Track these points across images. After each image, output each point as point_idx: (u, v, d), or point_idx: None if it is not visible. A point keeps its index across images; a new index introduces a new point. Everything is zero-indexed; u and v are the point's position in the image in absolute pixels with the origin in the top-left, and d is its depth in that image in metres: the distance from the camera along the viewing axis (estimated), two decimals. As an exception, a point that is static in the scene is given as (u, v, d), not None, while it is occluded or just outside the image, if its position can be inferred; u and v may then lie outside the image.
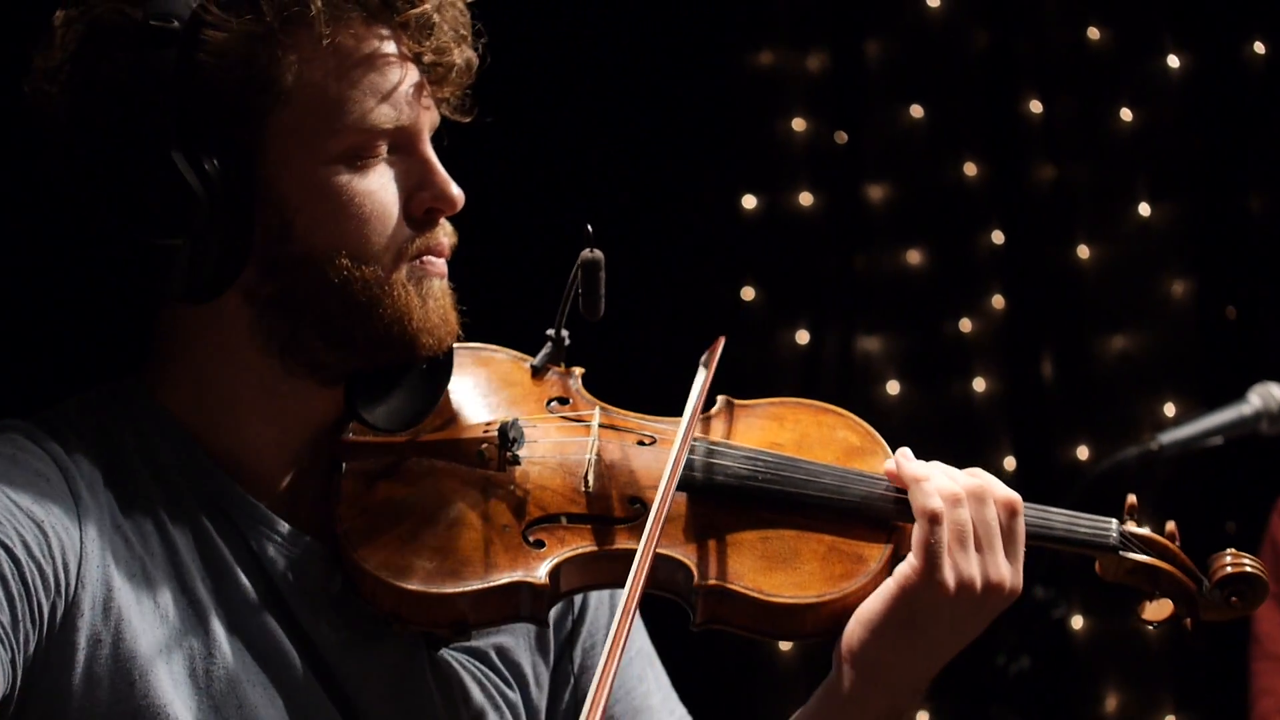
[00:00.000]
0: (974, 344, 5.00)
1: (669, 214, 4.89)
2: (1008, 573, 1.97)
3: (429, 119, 1.96)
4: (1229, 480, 4.75)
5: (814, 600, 1.97)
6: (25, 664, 1.78)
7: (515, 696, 2.01)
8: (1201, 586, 2.07)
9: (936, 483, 1.97)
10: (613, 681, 1.72)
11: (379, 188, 1.91)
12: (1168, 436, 3.74)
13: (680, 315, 4.64)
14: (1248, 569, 2.06)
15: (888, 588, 1.95)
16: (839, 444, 2.09)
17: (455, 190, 1.96)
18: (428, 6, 1.91)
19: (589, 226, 2.05)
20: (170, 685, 1.85)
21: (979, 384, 4.98)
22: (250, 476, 1.96)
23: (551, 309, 2.11)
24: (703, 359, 2.21)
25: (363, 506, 1.96)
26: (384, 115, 1.90)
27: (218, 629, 1.89)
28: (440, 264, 1.98)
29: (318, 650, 1.93)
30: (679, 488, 1.97)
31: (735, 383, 4.81)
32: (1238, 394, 3.82)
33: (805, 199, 5.02)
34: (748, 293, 5.01)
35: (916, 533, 1.96)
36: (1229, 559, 2.08)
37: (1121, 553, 2.07)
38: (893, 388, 5.00)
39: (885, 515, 2.01)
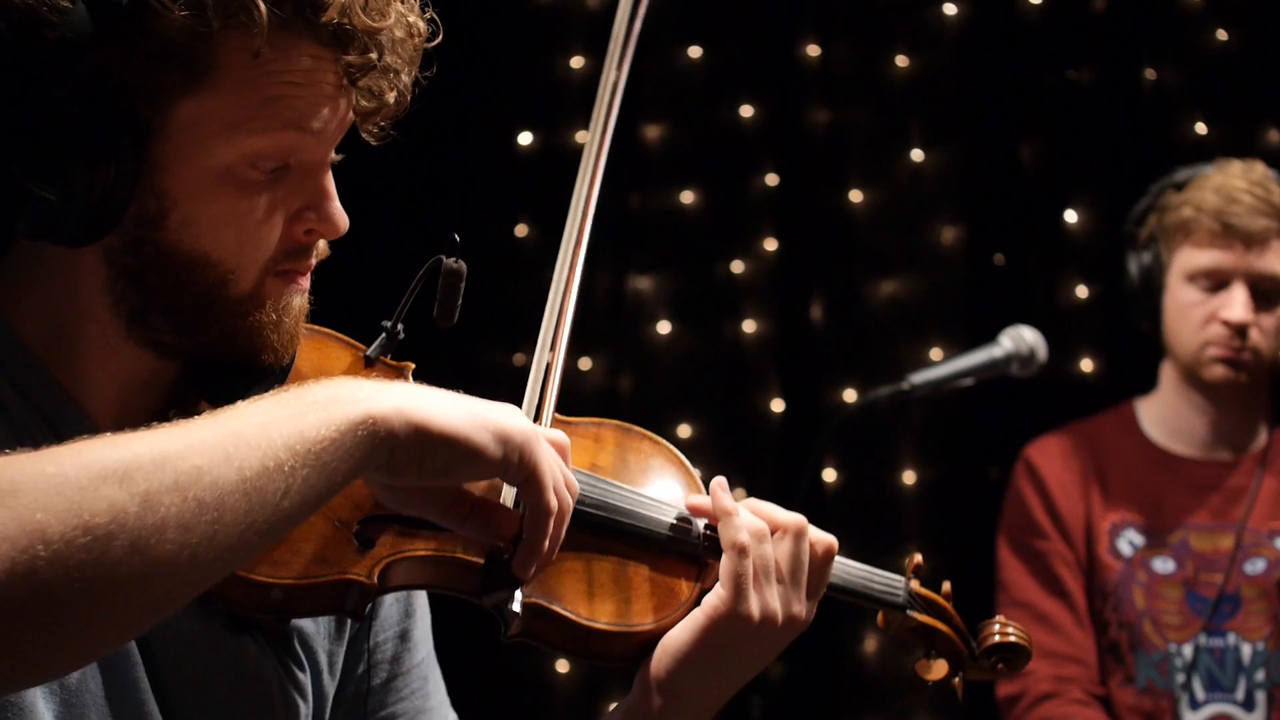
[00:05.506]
0: (745, 285, 5.02)
1: (444, 149, 4.85)
2: (806, 608, 2.04)
3: (335, 144, 1.90)
4: (994, 426, 4.82)
5: (628, 629, 1.99)
6: None
7: (305, 679, 1.99)
8: (972, 650, 2.18)
9: (745, 518, 2.02)
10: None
11: (264, 205, 1.84)
12: (919, 376, 3.80)
13: (452, 251, 4.59)
14: (1012, 639, 2.19)
15: (695, 618, 2.00)
16: (654, 473, 2.11)
17: (343, 221, 1.90)
18: (373, 55, 1.84)
19: (455, 236, 2.03)
20: None
21: (749, 325, 5.00)
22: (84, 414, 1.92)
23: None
24: None
25: None
26: (291, 141, 1.83)
27: None
28: (304, 282, 1.93)
29: None
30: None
31: (508, 318, 4.82)
32: (1003, 340, 3.89)
33: (582, 137, 5.00)
34: (521, 229, 4.99)
35: (725, 564, 2.00)
36: (997, 628, 2.20)
37: (908, 611, 2.16)
38: (663, 328, 5.01)
39: (697, 551, 2.04)
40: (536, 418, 2.01)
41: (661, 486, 2.10)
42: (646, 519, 2.04)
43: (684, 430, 4.90)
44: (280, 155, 1.84)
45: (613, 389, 4.96)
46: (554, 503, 1.78)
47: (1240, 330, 3.91)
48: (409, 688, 2.11)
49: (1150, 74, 5.02)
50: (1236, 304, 3.92)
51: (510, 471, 1.75)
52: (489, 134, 5.01)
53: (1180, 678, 3.91)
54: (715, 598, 1.99)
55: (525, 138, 5.04)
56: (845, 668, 4.75)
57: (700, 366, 5.00)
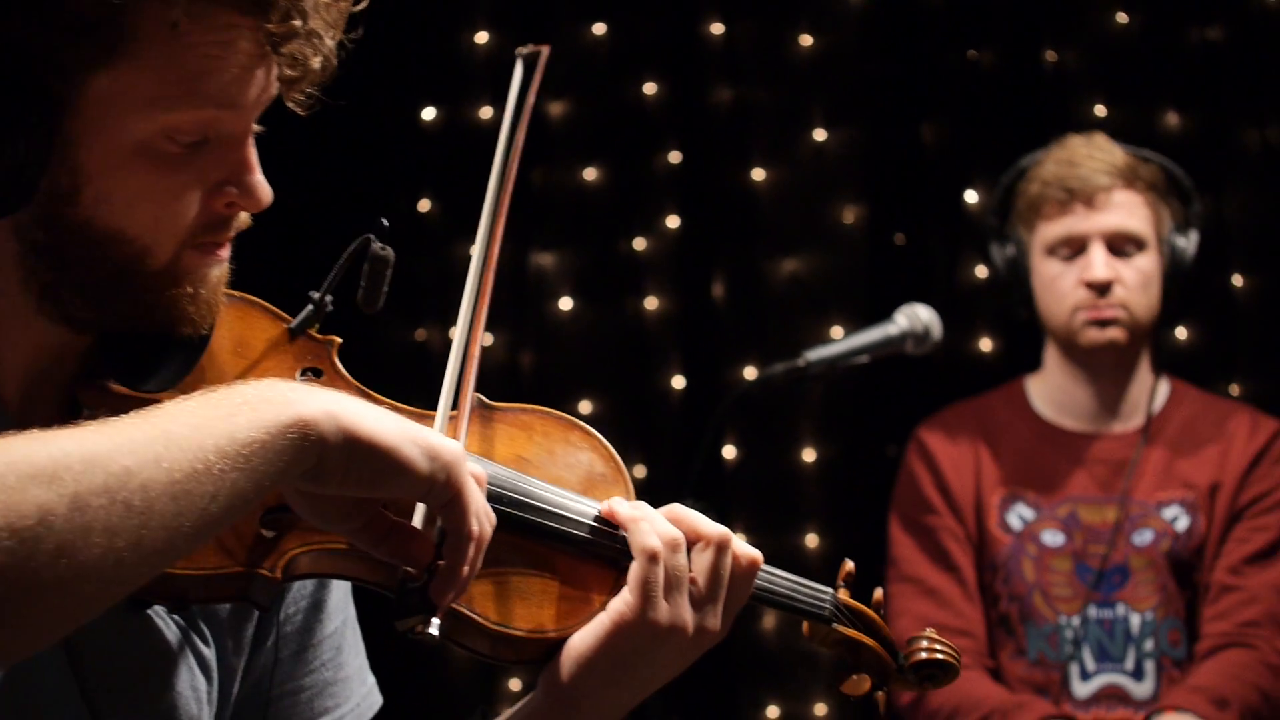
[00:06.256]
0: (647, 262, 5.01)
1: (348, 123, 4.83)
2: (721, 621, 1.97)
3: (259, 113, 1.84)
4: (894, 405, 4.84)
5: (538, 635, 1.94)
6: None
7: (210, 654, 1.95)
8: (899, 663, 2.11)
9: (659, 525, 1.95)
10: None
11: (181, 179, 1.78)
12: (814, 353, 3.81)
13: (357, 224, 4.58)
14: (940, 656, 2.11)
15: (600, 623, 1.94)
16: (583, 468, 2.04)
17: (266, 193, 1.84)
18: (296, 22, 1.77)
19: (384, 221, 1.99)
20: None
21: (651, 302, 5.00)
22: None
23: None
24: (522, 52, 2.15)
25: None
26: (210, 116, 1.77)
27: None
28: (224, 253, 1.87)
29: None
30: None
31: (411, 294, 4.81)
32: (901, 319, 3.91)
33: (485, 113, 5.00)
34: (424, 205, 4.98)
35: (633, 570, 1.93)
36: (924, 644, 2.12)
37: (833, 624, 2.08)
38: (565, 304, 5.00)
39: (615, 555, 1.97)
40: (455, 404, 1.95)
41: (588, 483, 2.03)
42: (566, 520, 1.96)
43: (585, 407, 4.90)
44: (199, 130, 1.78)
45: (514, 365, 4.95)
46: (475, 528, 1.74)
47: (1103, 288, 3.98)
48: (319, 659, 2.06)
49: (1051, 56, 5.04)
50: (1095, 264, 3.99)
51: (435, 491, 1.70)
52: (393, 109, 4.99)
53: (1070, 649, 3.95)
54: (621, 603, 1.93)
55: (429, 113, 5.03)
56: (743, 644, 4.78)
57: (602, 343, 5.00)
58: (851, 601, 2.10)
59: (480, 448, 1.99)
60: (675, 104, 5.05)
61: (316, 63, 1.83)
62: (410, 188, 5.00)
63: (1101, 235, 4.00)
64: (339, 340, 1.98)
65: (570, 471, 2.03)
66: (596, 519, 1.98)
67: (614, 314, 5.02)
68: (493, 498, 1.88)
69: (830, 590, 2.09)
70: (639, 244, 5.02)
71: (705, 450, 3.90)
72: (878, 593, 2.13)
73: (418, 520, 1.81)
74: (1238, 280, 4.94)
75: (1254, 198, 4.96)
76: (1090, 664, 3.96)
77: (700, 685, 4.69)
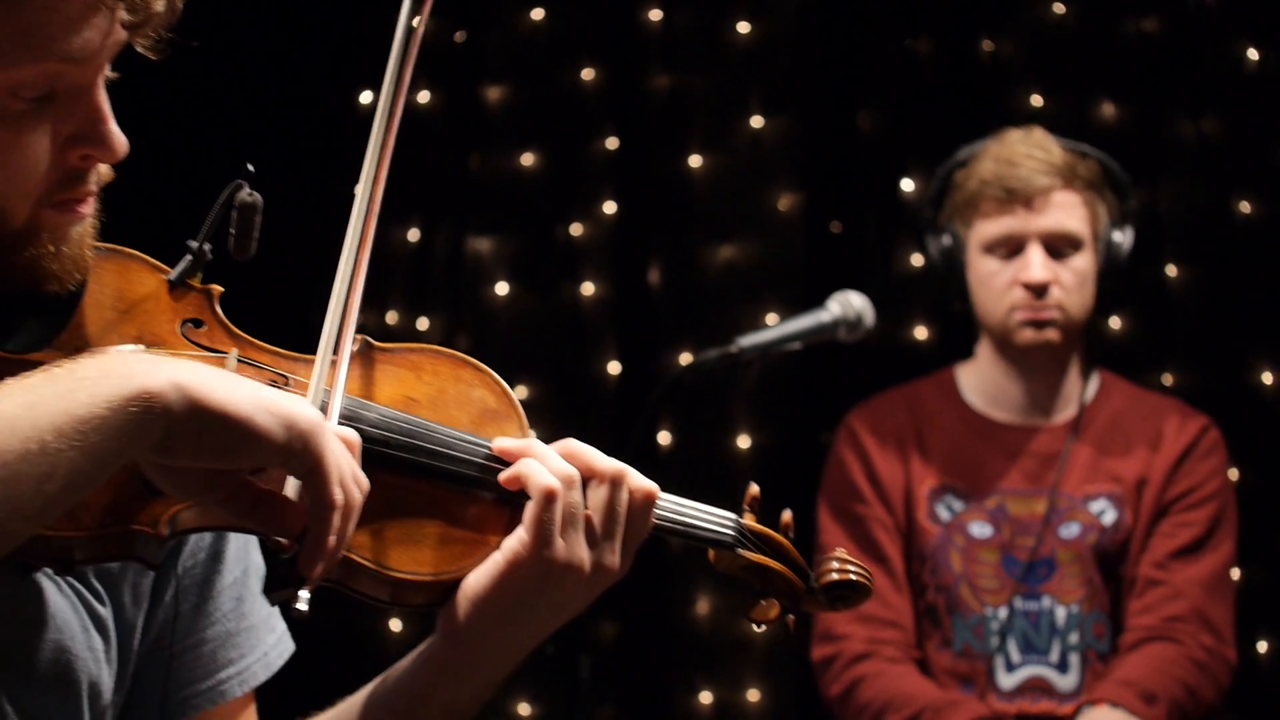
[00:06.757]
0: (584, 248, 5.03)
1: (285, 108, 4.81)
2: (620, 558, 1.94)
3: (107, 61, 1.79)
4: (829, 393, 4.85)
5: (430, 579, 1.91)
6: None
7: (106, 612, 1.92)
8: (809, 585, 2.06)
9: (554, 463, 1.91)
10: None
11: (29, 135, 1.74)
12: (747, 340, 3.81)
13: (291, 210, 4.57)
14: (853, 577, 2.06)
15: (495, 562, 1.91)
16: (475, 405, 1.99)
17: (120, 143, 1.79)
18: None
19: (250, 166, 1.95)
20: None
21: (588, 288, 5.01)
22: None
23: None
24: None
25: None
26: (53, 70, 1.72)
27: None
28: (85, 208, 1.82)
29: None
30: None
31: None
32: (835, 307, 3.92)
33: (423, 97, 4.98)
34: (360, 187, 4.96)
35: (529, 509, 1.90)
36: (836, 565, 2.07)
37: (738, 550, 2.04)
38: (502, 289, 5.01)
39: (510, 494, 1.94)
40: (335, 349, 1.90)
41: (480, 420, 1.98)
42: (456, 460, 1.92)
43: (521, 391, 4.89)
44: (44, 83, 1.73)
45: (450, 349, 4.94)
46: (339, 496, 1.69)
47: (1040, 290, 3.99)
48: (220, 610, 2.03)
49: (987, 45, 5.06)
50: (1032, 265, 4.00)
51: (293, 460, 1.66)
52: (330, 93, 4.97)
53: (995, 640, 3.97)
54: (516, 541, 1.90)
55: (366, 97, 5.01)
56: (677, 629, 4.78)
57: (538, 328, 5.00)
58: (757, 526, 2.06)
59: (365, 390, 1.95)
60: (613, 90, 5.06)
61: (160, 5, 1.78)
62: (347, 171, 4.97)
63: (1040, 236, 4.01)
64: (220, 289, 1.94)
65: (462, 410, 1.98)
66: (488, 457, 1.94)
67: (550, 299, 5.03)
68: (379, 441, 1.87)
69: (734, 516, 2.05)
70: (576, 229, 5.02)
71: (639, 436, 3.90)
72: (786, 515, 2.09)
73: (290, 490, 1.76)
74: (1171, 270, 4.97)
75: (1187, 188, 4.99)
76: (1015, 656, 3.98)
77: (634, 671, 4.70)
